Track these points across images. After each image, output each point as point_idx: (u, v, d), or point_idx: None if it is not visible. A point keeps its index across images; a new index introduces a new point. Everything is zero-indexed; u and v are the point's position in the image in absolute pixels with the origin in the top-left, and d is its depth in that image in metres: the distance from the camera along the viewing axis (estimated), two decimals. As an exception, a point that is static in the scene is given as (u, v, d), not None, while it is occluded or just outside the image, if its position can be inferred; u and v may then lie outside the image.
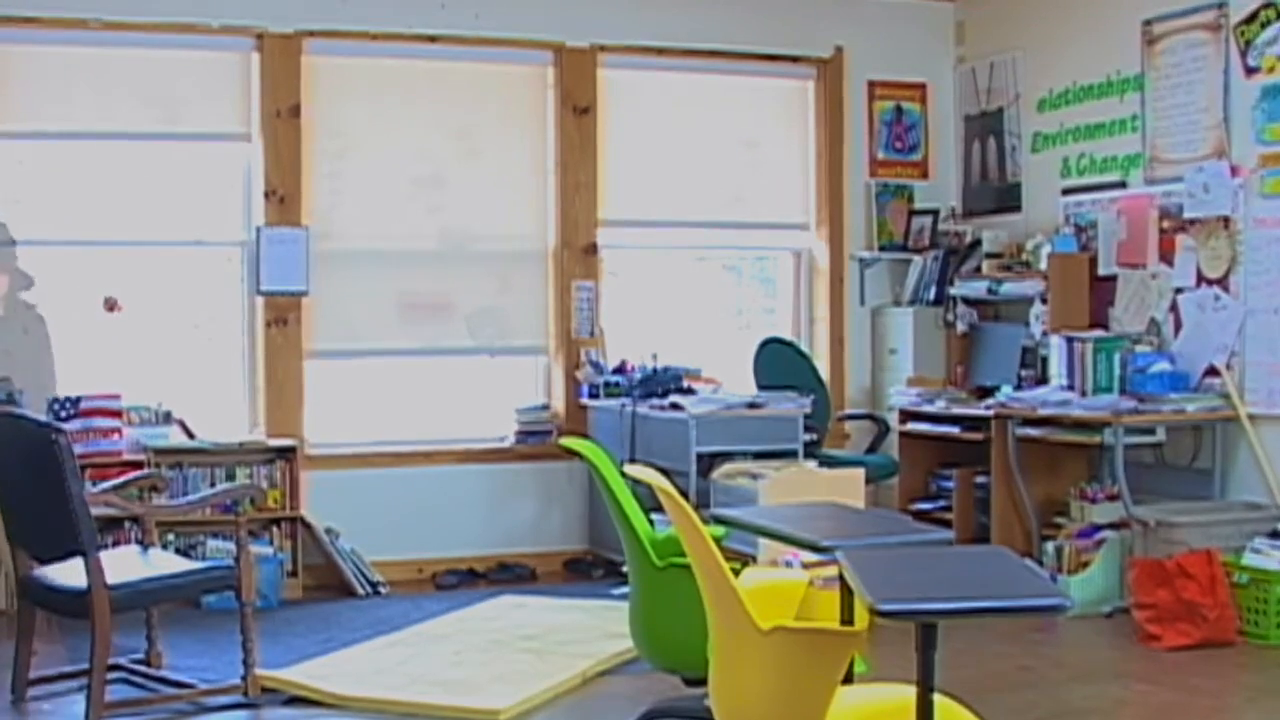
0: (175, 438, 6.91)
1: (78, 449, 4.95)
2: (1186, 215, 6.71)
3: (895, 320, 8.17)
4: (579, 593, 6.84)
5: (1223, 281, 6.56)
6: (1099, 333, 6.97)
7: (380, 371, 7.55)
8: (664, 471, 4.04)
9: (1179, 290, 6.79)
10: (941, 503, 7.60)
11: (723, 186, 8.09)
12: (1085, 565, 6.44)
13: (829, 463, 6.89)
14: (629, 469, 3.84)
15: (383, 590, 6.97)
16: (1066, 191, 7.48)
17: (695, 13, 7.88)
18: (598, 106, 7.73)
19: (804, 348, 8.01)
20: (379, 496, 7.30)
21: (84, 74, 6.90)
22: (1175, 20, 6.84)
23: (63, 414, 6.57)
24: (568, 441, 4.60)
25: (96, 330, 7.01)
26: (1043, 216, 7.66)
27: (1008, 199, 8.02)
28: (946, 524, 7.24)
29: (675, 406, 6.87)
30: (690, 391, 7.13)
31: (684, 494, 3.73)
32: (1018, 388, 7.23)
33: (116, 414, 6.73)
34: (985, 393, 7.42)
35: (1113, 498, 6.60)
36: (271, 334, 7.17)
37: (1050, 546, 6.64)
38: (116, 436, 6.71)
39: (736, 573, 3.56)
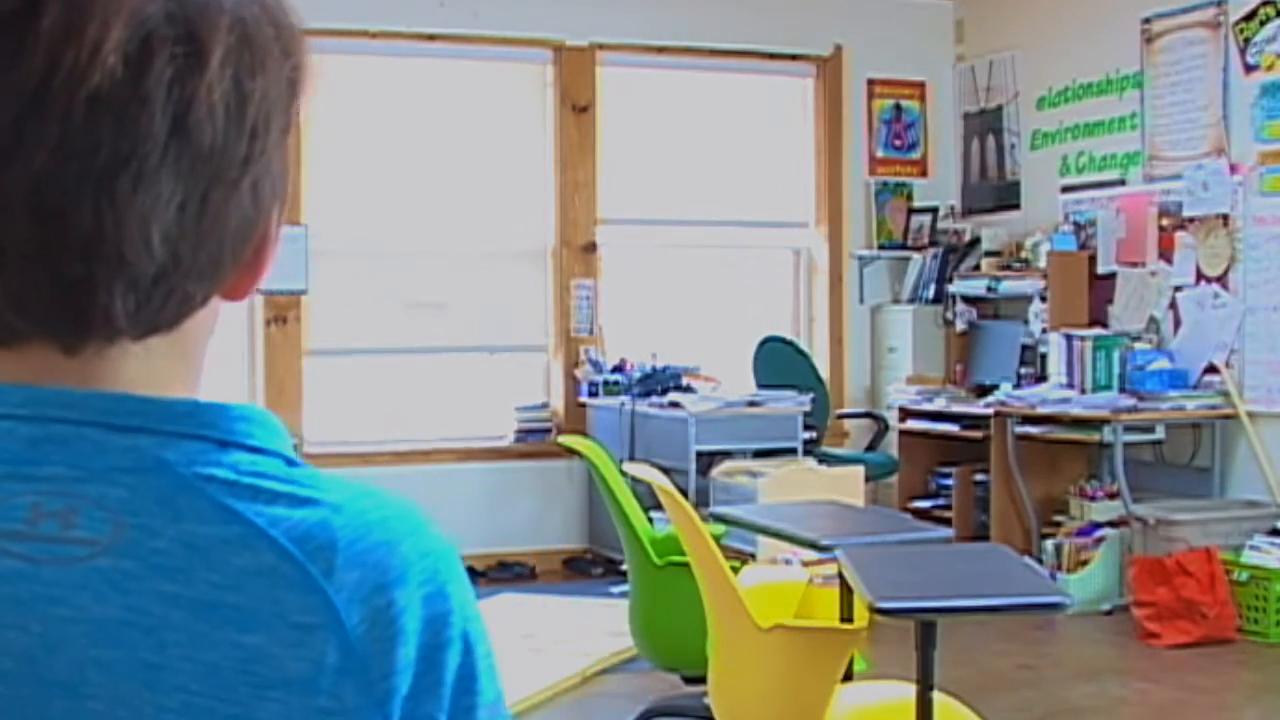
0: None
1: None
2: (1186, 213, 6.71)
3: (894, 318, 8.17)
4: (578, 591, 6.84)
5: (1222, 279, 6.56)
6: (1098, 331, 6.97)
7: (380, 370, 7.55)
8: (663, 470, 4.04)
9: (1178, 288, 6.79)
10: (941, 501, 7.60)
11: (722, 185, 8.08)
12: (1085, 563, 6.44)
13: (828, 461, 6.90)
14: (628, 467, 3.85)
15: (382, 589, 6.97)
16: (1066, 189, 7.48)
17: (694, 11, 7.88)
18: (597, 105, 7.73)
19: (803, 346, 8.00)
20: (378, 495, 7.29)
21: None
22: (1174, 18, 6.84)
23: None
24: (567, 440, 4.61)
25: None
26: (1042, 214, 7.66)
27: (1007, 197, 8.02)
28: (946, 522, 7.23)
29: (674, 405, 6.87)
30: (689, 390, 7.13)
31: (683, 492, 3.74)
32: (1017, 386, 7.23)
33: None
34: (984, 391, 7.43)
35: (1112, 495, 6.60)
36: (271, 332, 7.17)
37: (1050, 544, 6.64)
38: (116, 435, 6.70)
39: (736, 571, 3.56)
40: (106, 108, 0.70)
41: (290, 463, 0.76)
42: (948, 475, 7.53)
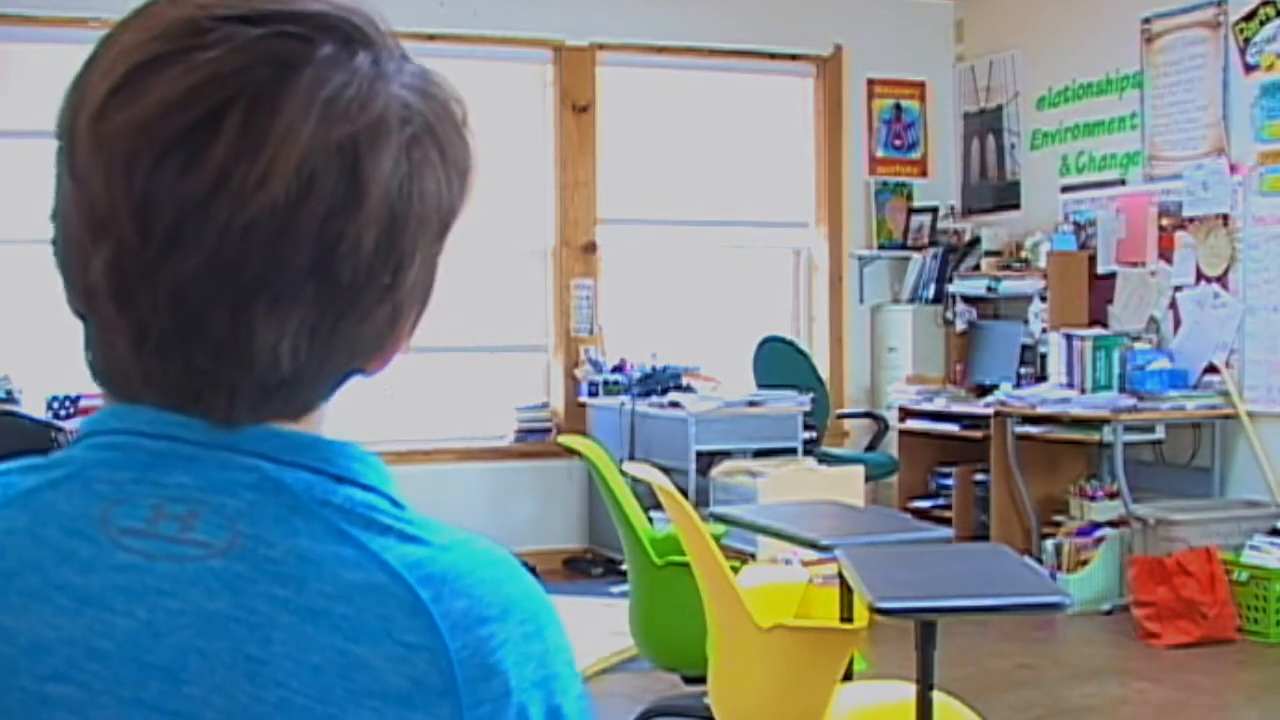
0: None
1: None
2: (1185, 213, 6.71)
3: (894, 318, 8.17)
4: (578, 591, 6.84)
5: (1222, 279, 6.56)
6: (1098, 330, 6.97)
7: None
8: (663, 470, 4.04)
9: (1178, 288, 6.79)
10: (941, 501, 7.60)
11: (722, 185, 8.08)
12: (1085, 563, 6.44)
13: (828, 461, 6.90)
14: (628, 467, 3.85)
15: (382, 589, 6.96)
16: (1066, 189, 7.48)
17: (694, 11, 7.88)
18: (597, 105, 7.73)
19: (803, 346, 8.00)
20: (378, 495, 7.29)
21: (83, 73, 6.89)
22: (1174, 18, 6.84)
23: (62, 412, 6.57)
24: (567, 440, 4.61)
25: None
26: (1042, 214, 7.66)
27: (1007, 197, 8.02)
28: (946, 522, 7.23)
29: (674, 405, 6.87)
30: (689, 389, 7.13)
31: (683, 492, 3.74)
32: (1017, 385, 7.23)
33: (116, 413, 6.71)
34: (984, 391, 7.43)
35: (1112, 495, 6.61)
36: (271, 332, 7.17)
37: (1050, 544, 6.64)
38: (116, 435, 6.69)
39: (736, 571, 3.56)
40: (261, 233, 0.73)
41: (396, 504, 0.80)
42: (948, 475, 7.53)
